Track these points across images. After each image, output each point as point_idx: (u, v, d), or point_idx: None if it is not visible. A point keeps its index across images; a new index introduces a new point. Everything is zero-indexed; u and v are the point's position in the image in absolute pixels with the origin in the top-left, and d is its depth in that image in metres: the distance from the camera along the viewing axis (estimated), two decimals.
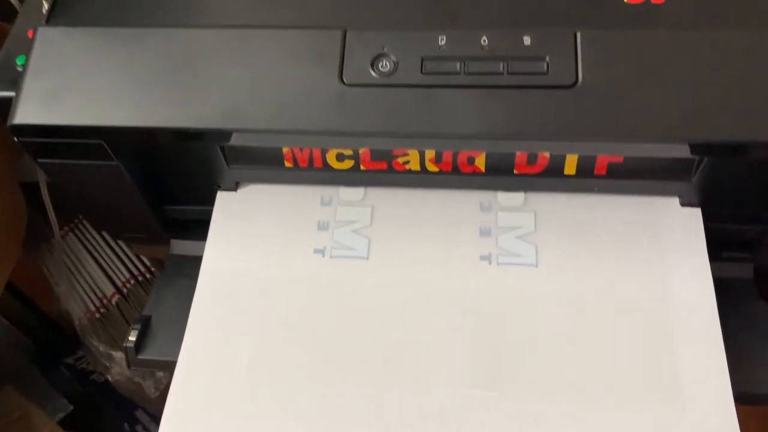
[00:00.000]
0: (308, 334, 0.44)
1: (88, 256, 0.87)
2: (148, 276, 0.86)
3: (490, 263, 0.45)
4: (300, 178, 0.48)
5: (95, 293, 0.85)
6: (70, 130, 0.40)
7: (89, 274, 0.86)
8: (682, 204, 0.46)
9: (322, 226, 0.48)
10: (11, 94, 0.43)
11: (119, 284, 0.85)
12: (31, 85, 0.41)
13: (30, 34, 0.46)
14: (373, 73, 0.40)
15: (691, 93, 0.38)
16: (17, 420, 0.78)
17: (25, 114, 0.40)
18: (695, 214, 0.46)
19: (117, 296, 0.85)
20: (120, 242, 0.88)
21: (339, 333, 0.44)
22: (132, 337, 0.45)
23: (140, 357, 0.45)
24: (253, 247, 0.47)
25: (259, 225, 0.48)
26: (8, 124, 0.40)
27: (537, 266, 0.45)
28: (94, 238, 0.89)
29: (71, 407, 0.82)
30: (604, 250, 0.46)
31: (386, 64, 0.40)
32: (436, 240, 0.46)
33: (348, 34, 0.41)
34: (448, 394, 0.41)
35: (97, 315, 0.84)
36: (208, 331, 0.44)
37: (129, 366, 0.45)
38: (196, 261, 0.49)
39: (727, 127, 0.37)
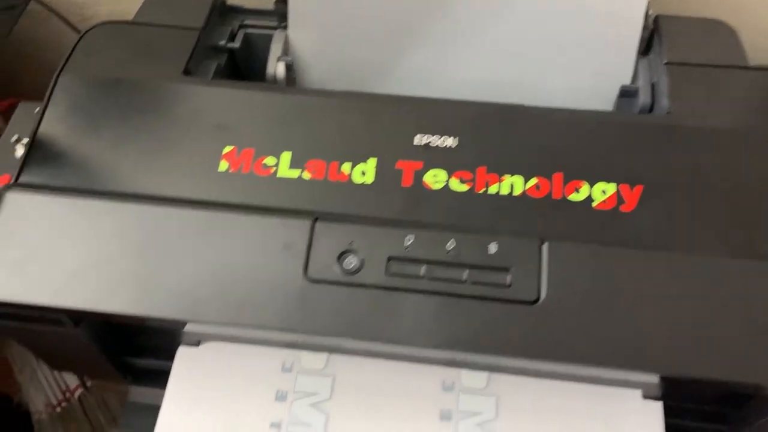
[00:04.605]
0: None
1: None
2: None
3: None
4: (267, 340, 0.48)
5: (58, 385, 0.84)
6: (24, 307, 0.40)
7: None
8: (645, 396, 0.46)
9: (281, 397, 0.47)
10: None
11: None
12: None
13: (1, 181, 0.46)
14: (338, 270, 0.40)
15: (655, 320, 0.38)
16: None
17: None
18: (656, 408, 0.46)
19: (80, 389, 0.83)
20: None
21: None
22: None
23: None
24: (210, 414, 0.46)
25: (217, 389, 0.47)
26: None
27: None
28: None
29: None
30: None
31: (352, 261, 0.40)
32: (395, 423, 0.46)
33: (317, 225, 0.41)
34: None
35: (58, 409, 0.82)
36: None
37: None
38: (153, 413, 0.49)
39: (691, 362, 0.37)
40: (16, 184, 0.43)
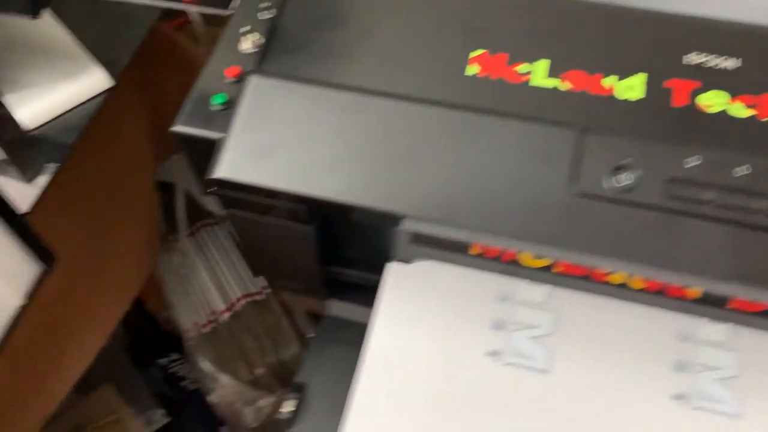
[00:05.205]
0: None
1: (203, 267, 0.86)
2: (258, 298, 0.84)
3: (682, 405, 0.41)
4: (479, 264, 0.45)
5: (206, 307, 0.84)
6: (273, 193, 0.38)
7: (202, 285, 0.86)
8: None
9: (497, 325, 0.44)
10: (205, 133, 0.42)
11: (231, 301, 0.84)
12: (238, 138, 0.39)
13: (228, 72, 0.44)
14: (610, 186, 0.36)
15: None
16: (114, 422, 0.78)
17: (230, 169, 0.38)
18: None
19: (227, 313, 0.84)
20: (236, 258, 0.87)
21: None
22: (288, 408, 0.43)
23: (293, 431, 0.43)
24: (423, 334, 0.44)
25: (429, 309, 0.45)
26: (210, 176, 0.39)
27: (739, 417, 0.40)
28: (211, 249, 0.88)
29: (167, 419, 0.81)
30: None
31: (627, 178, 0.36)
32: (624, 366, 0.42)
33: (587, 136, 0.37)
34: None
35: (206, 330, 0.83)
36: (371, 421, 0.41)
37: None
38: (351, 327, 0.47)
39: None
40: (258, 70, 0.42)
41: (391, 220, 0.38)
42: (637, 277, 0.40)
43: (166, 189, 0.80)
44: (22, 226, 0.41)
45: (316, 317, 0.82)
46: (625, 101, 0.39)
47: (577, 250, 0.35)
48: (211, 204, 0.89)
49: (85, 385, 0.83)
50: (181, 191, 0.76)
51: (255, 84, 0.41)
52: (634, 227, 0.35)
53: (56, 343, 0.58)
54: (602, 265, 0.37)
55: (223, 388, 0.76)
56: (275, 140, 0.39)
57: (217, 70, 0.45)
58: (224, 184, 0.39)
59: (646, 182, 0.36)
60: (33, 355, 0.55)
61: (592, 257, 0.35)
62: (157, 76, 0.65)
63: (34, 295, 0.43)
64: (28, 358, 0.55)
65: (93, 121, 0.52)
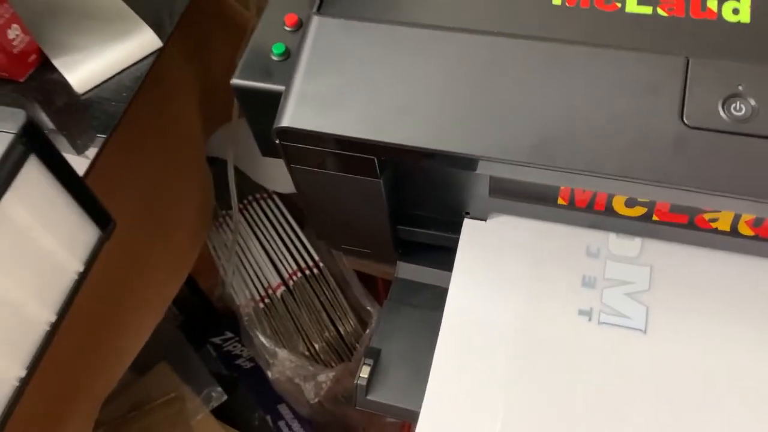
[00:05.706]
0: (568, 412, 0.37)
1: (256, 242, 0.84)
2: (315, 271, 0.82)
3: None
4: (563, 217, 0.41)
5: (260, 281, 0.82)
6: (343, 142, 0.35)
7: (255, 260, 0.84)
8: None
9: (588, 282, 0.40)
10: (266, 86, 0.39)
11: (285, 276, 0.82)
12: (304, 84, 0.36)
13: (289, 20, 0.41)
14: (724, 116, 0.32)
15: None
16: (172, 401, 0.77)
17: (298, 117, 0.35)
18: None
19: (282, 288, 0.82)
20: (289, 232, 0.85)
21: (605, 418, 0.37)
22: (364, 374, 0.40)
23: (370, 398, 0.40)
24: (508, 292, 0.40)
25: (513, 268, 0.41)
26: (276, 125, 0.36)
27: None
28: (263, 223, 0.86)
29: (226, 397, 0.79)
30: None
31: (740, 107, 0.32)
32: (736, 323, 0.38)
33: (691, 63, 0.33)
34: None
35: (261, 305, 0.81)
36: (454, 387, 0.38)
37: (355, 405, 0.40)
38: (423, 289, 0.45)
39: None
40: (320, 12, 0.38)
41: (471, 166, 0.35)
42: (754, 216, 0.36)
43: (215, 164, 0.78)
44: (80, 189, 0.39)
45: (372, 289, 0.80)
46: (736, 24, 0.35)
47: (690, 187, 0.31)
48: (261, 177, 0.87)
49: (141, 365, 0.82)
50: (231, 164, 0.74)
51: (317, 25, 0.38)
52: (754, 160, 0.31)
53: (114, 317, 0.57)
54: (717, 204, 0.33)
55: (282, 363, 0.74)
56: (342, 84, 0.36)
57: (275, 19, 0.42)
58: (291, 133, 0.36)
59: (764, 111, 0.32)
60: (92, 329, 0.54)
61: (707, 195, 0.31)
62: (205, 41, 0.62)
63: (92, 261, 0.40)
64: (87, 332, 0.53)
65: (143, 84, 0.49)
